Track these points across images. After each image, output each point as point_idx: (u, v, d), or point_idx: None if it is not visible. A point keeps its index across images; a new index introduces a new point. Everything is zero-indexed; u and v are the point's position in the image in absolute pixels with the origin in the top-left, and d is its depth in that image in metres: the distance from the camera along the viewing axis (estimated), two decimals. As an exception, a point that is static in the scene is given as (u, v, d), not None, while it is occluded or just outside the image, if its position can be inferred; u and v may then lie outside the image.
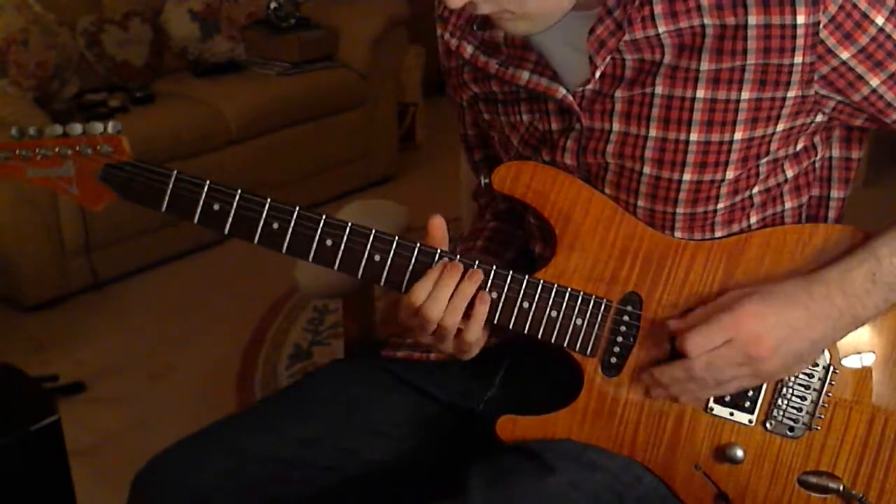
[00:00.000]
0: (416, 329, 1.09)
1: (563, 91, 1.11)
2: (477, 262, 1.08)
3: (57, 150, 1.11)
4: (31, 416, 1.75)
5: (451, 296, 1.06)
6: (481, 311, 1.07)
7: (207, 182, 1.09)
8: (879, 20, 1.01)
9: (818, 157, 1.15)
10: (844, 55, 1.02)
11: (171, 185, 1.09)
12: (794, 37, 1.00)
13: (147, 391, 2.72)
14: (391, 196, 3.10)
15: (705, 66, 1.04)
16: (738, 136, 1.06)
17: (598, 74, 1.08)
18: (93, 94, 3.44)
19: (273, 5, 3.85)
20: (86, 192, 1.12)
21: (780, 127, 1.07)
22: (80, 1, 3.58)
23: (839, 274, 1.05)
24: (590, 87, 1.09)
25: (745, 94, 1.04)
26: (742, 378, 1.06)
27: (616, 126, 1.10)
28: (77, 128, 1.11)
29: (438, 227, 1.09)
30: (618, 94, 1.09)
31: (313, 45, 3.88)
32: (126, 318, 3.09)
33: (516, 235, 1.34)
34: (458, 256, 1.08)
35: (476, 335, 1.09)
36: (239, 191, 1.09)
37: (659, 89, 1.07)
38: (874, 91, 1.05)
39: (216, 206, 1.09)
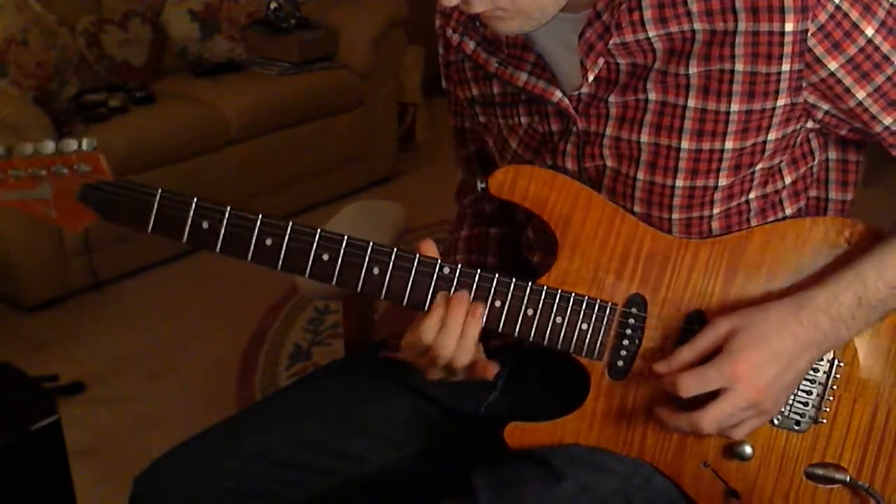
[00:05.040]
0: (422, 361, 1.09)
1: (559, 94, 1.11)
2: (479, 272, 1.07)
3: (30, 171, 1.04)
4: (31, 416, 1.75)
5: (460, 332, 1.05)
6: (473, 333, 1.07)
7: (195, 199, 1.04)
8: (869, 31, 1.00)
9: (816, 162, 1.15)
10: (832, 65, 1.01)
11: (156, 204, 1.05)
12: (781, 44, 1.00)
13: (147, 391, 2.72)
14: (391, 196, 3.10)
15: (693, 69, 1.03)
16: (728, 145, 1.06)
17: (590, 78, 1.08)
18: (93, 95, 3.44)
19: (273, 5, 3.85)
20: (64, 214, 1.06)
21: (771, 136, 1.06)
22: (80, 1, 3.58)
23: (826, 299, 1.04)
24: (585, 90, 1.09)
25: (734, 107, 1.04)
26: (750, 421, 1.05)
27: (610, 130, 1.10)
28: (49, 146, 1.04)
29: (430, 252, 1.08)
30: (612, 98, 1.09)
31: (313, 45, 3.88)
32: (126, 318, 3.09)
33: (492, 237, 1.35)
34: (459, 267, 1.07)
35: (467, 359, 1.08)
36: (228, 207, 1.05)
37: (652, 95, 1.06)
38: (860, 104, 1.04)
39: (205, 225, 1.05)
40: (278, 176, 3.70)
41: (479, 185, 1.35)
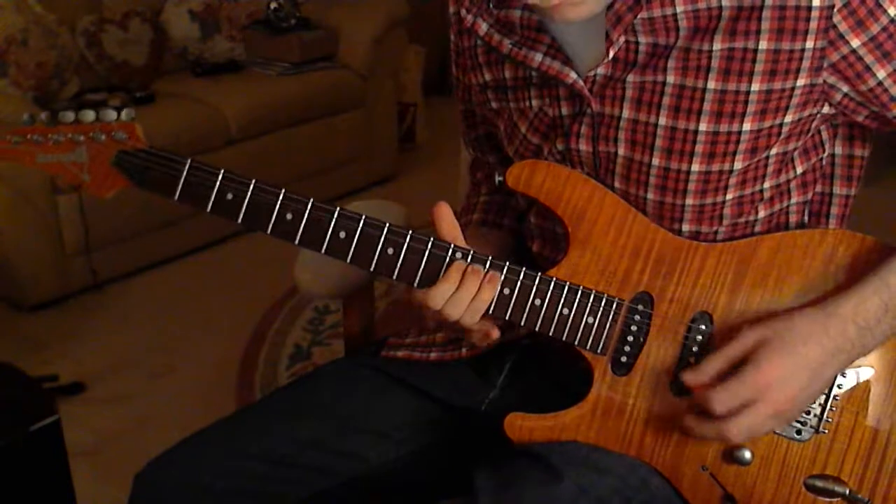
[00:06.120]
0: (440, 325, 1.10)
1: (573, 75, 1.11)
2: (490, 259, 1.08)
3: (70, 135, 1.10)
4: (31, 416, 1.75)
5: (471, 300, 1.06)
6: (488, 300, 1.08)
7: (222, 171, 1.08)
8: (892, 10, 1.02)
9: (826, 154, 1.15)
10: (855, 43, 1.02)
11: (185, 173, 1.08)
12: (808, 19, 1.01)
13: (147, 391, 2.71)
14: (391, 196, 3.10)
15: (717, 46, 1.04)
16: (746, 126, 1.07)
17: (612, 54, 1.08)
18: (93, 94, 3.44)
19: (273, 5, 3.85)
20: (97, 178, 1.11)
21: (788, 118, 1.07)
22: (80, 1, 3.58)
23: (853, 307, 1.05)
24: (601, 70, 1.10)
25: (755, 86, 1.05)
26: (776, 426, 1.06)
27: (626, 112, 1.10)
28: (90, 114, 1.10)
29: (446, 215, 1.08)
30: (629, 78, 1.09)
31: (313, 45, 3.88)
32: (126, 318, 3.09)
33: (510, 203, 1.34)
34: (472, 252, 1.08)
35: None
36: (253, 180, 1.08)
37: (671, 78, 1.07)
38: (880, 83, 1.05)
39: (230, 196, 1.08)
40: (278, 176, 3.69)
41: (497, 179, 1.37)
